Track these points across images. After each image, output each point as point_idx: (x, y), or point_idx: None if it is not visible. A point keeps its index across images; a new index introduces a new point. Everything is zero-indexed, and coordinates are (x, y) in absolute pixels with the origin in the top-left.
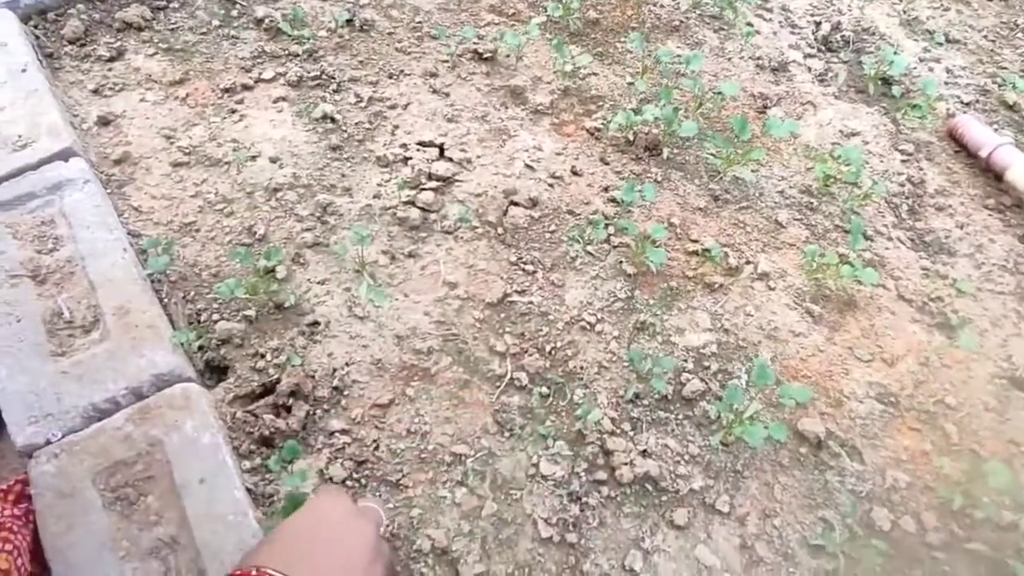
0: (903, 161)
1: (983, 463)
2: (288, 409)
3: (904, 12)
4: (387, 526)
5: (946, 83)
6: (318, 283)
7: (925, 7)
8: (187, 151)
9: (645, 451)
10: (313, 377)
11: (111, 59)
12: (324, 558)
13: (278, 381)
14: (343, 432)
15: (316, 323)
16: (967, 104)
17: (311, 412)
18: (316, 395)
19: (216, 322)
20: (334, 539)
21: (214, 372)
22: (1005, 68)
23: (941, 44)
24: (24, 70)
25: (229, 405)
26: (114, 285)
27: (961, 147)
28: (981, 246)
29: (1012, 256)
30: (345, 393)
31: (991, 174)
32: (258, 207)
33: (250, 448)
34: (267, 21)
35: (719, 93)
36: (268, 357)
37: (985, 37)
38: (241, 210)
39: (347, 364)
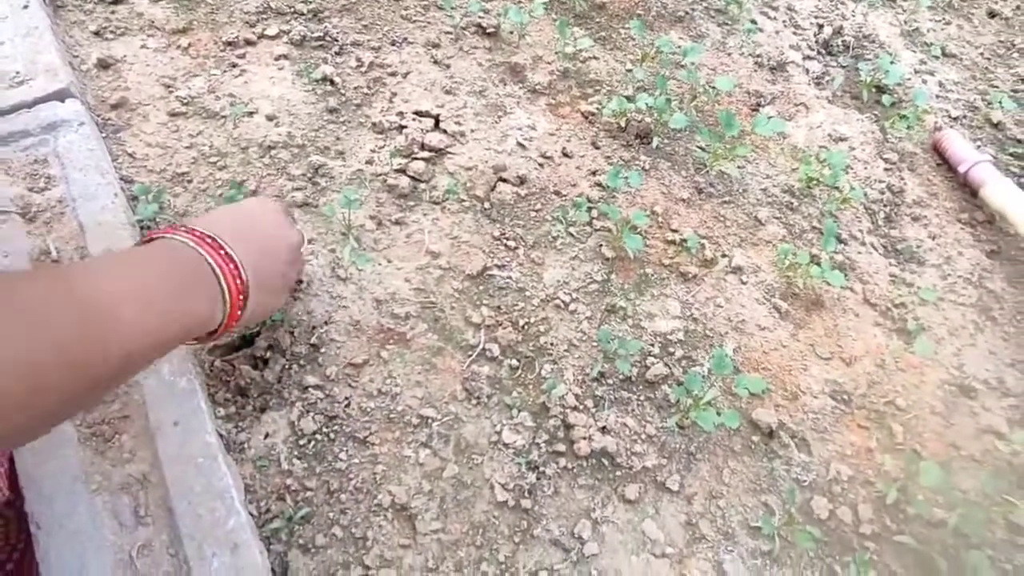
0: (886, 169)
1: (921, 462)
2: (265, 362)
3: (906, 23)
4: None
5: (937, 96)
6: (307, 241)
7: (927, 19)
8: (185, 101)
9: (604, 428)
10: (292, 333)
11: (115, 1)
12: (252, 240)
13: (257, 334)
14: (316, 388)
15: (300, 281)
16: (955, 119)
17: (287, 366)
18: (293, 350)
19: None
20: (264, 229)
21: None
22: (996, 87)
23: (938, 57)
24: (26, 6)
25: (208, 354)
26: (103, 229)
27: (943, 160)
28: (950, 258)
29: (977, 270)
30: (322, 350)
31: (968, 189)
32: (251, 163)
33: (225, 396)
34: None
35: (714, 87)
36: None
37: (981, 54)
38: (234, 164)
39: (326, 323)
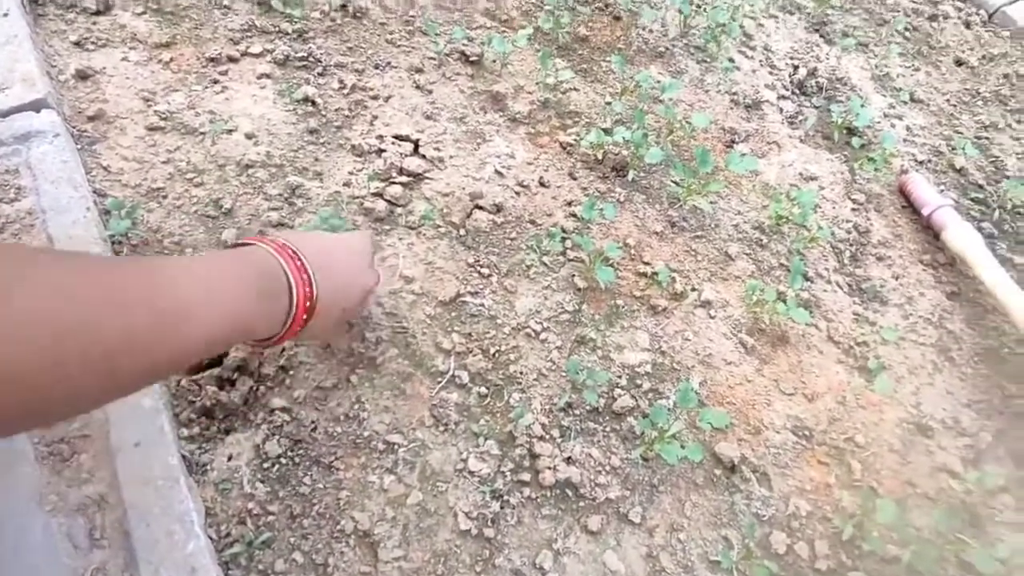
0: (853, 210)
1: (877, 499)
2: (232, 383)
3: (877, 67)
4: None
5: (905, 140)
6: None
7: (897, 65)
8: (164, 116)
9: (570, 458)
10: (262, 354)
11: (97, 12)
12: (333, 268)
13: (226, 354)
14: (283, 410)
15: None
16: (920, 163)
17: (255, 388)
18: (262, 372)
19: None
20: (347, 264)
21: None
22: (960, 133)
23: (906, 102)
24: (6, 14)
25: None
26: (73, 242)
27: (908, 203)
28: (912, 298)
29: (938, 311)
30: (291, 373)
31: (931, 232)
32: (228, 181)
33: (190, 417)
34: None
35: (690, 123)
36: None
37: (948, 101)
38: (211, 182)
39: (296, 346)
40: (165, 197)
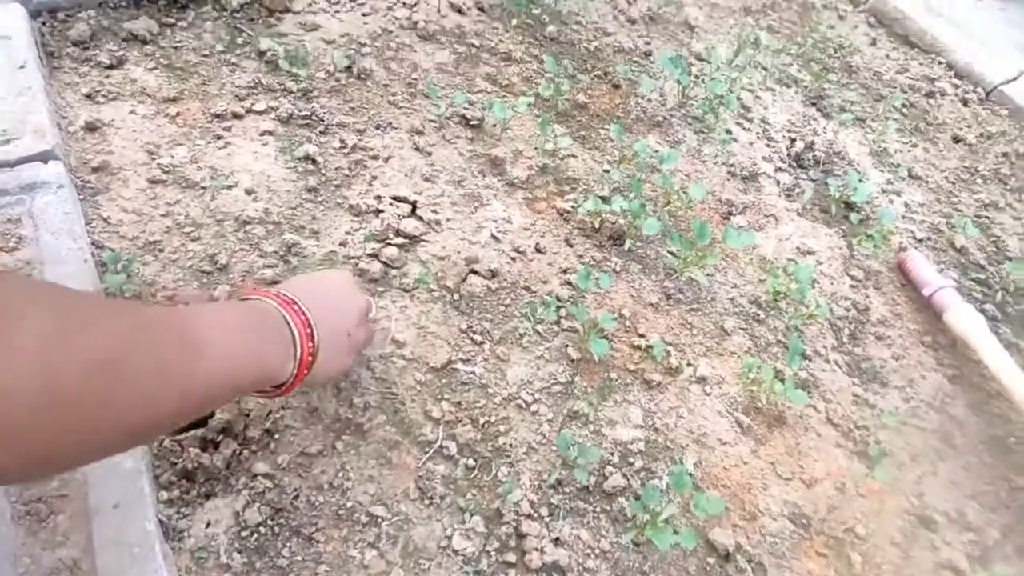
0: (852, 286)
1: None
2: (216, 445)
3: (874, 142)
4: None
5: (903, 217)
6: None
7: (895, 140)
8: (167, 169)
9: (558, 539)
10: (247, 415)
11: (110, 67)
12: (325, 302)
13: (212, 415)
14: (266, 476)
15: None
16: (920, 240)
17: (238, 451)
18: (247, 435)
19: None
20: (336, 294)
21: None
22: (960, 211)
23: (904, 179)
24: (23, 66)
25: None
26: None
27: (908, 281)
28: (913, 380)
29: (940, 395)
30: (276, 437)
31: (932, 311)
32: (225, 236)
33: (170, 479)
34: (269, 54)
35: (687, 193)
36: None
37: (946, 178)
38: (208, 237)
39: (283, 408)
40: (162, 250)
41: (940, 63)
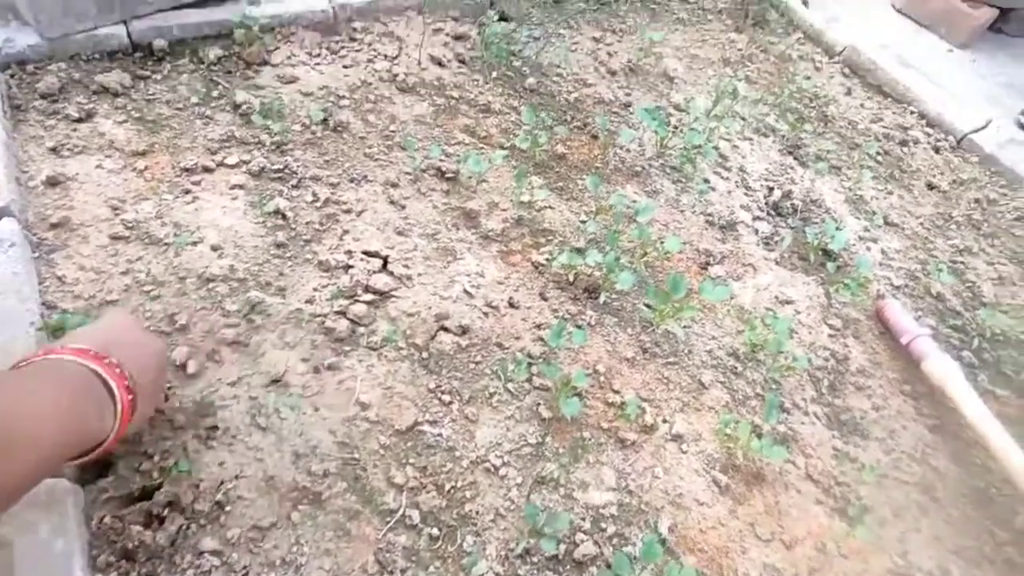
0: (831, 336)
1: None
2: (161, 520)
3: (850, 190)
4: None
5: (880, 264)
6: (228, 384)
7: (871, 188)
8: (130, 225)
9: None
10: (197, 487)
11: (78, 120)
12: (128, 348)
13: (159, 487)
14: (214, 553)
15: (215, 427)
16: (897, 287)
17: (185, 527)
18: (195, 507)
19: None
20: (133, 338)
21: (95, 466)
22: (935, 257)
23: (880, 226)
24: None
25: (101, 506)
26: (10, 360)
27: (886, 329)
28: (893, 432)
29: (920, 446)
30: (227, 509)
31: (910, 359)
32: (187, 294)
33: (108, 560)
34: (244, 107)
35: (664, 243)
36: (156, 458)
37: (921, 224)
38: (169, 295)
39: (237, 477)
40: None
41: (912, 112)
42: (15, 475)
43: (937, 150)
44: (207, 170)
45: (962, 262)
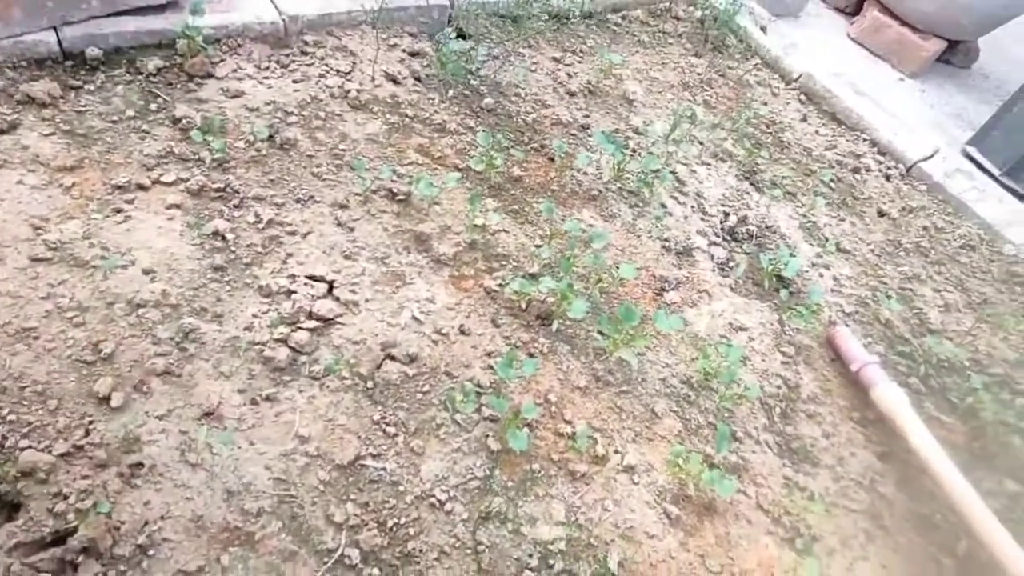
0: (783, 363)
1: None
2: (76, 568)
3: (805, 216)
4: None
5: (832, 291)
6: (156, 417)
7: (824, 214)
8: (53, 246)
9: None
10: (118, 530)
11: (0, 131)
12: None
13: (75, 531)
14: None
15: (140, 464)
16: (848, 314)
17: (102, 574)
18: (115, 552)
19: (22, 449)
20: None
21: (4, 508)
22: (885, 284)
23: (833, 252)
24: None
25: (8, 553)
26: None
27: (836, 356)
28: (842, 459)
29: (869, 473)
30: (150, 553)
31: (860, 386)
32: (114, 321)
33: None
34: (184, 121)
35: (619, 269)
36: (72, 499)
37: (872, 251)
38: (94, 322)
39: (162, 518)
40: (37, 338)
41: (865, 140)
42: None
43: (888, 178)
44: (142, 188)
45: (910, 289)
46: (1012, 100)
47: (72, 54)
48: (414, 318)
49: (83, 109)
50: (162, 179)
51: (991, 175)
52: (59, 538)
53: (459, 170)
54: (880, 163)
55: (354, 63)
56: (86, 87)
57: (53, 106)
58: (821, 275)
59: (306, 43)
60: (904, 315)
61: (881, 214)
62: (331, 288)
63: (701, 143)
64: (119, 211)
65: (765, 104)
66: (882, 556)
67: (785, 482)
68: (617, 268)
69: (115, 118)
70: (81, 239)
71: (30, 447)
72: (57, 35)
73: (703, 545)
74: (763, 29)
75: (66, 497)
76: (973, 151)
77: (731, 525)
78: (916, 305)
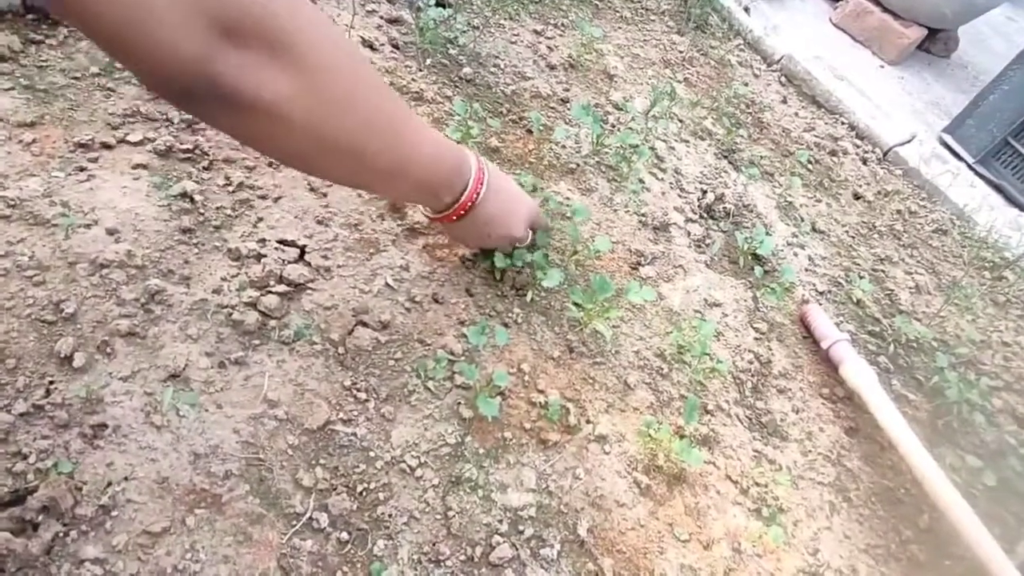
0: (756, 339)
1: None
2: (36, 527)
3: (781, 196)
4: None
5: (806, 270)
6: (120, 379)
7: (801, 195)
8: (12, 203)
9: None
10: (80, 490)
11: None
12: (504, 190)
13: (35, 490)
14: (96, 562)
15: (103, 425)
16: (821, 293)
17: (63, 534)
18: (76, 512)
19: None
20: (515, 192)
21: None
22: (858, 265)
23: (808, 232)
24: None
25: None
26: None
27: (808, 333)
28: (811, 434)
29: (836, 448)
30: (113, 514)
31: (830, 364)
32: (76, 281)
33: None
34: None
35: (594, 240)
36: (32, 459)
37: (847, 232)
38: (55, 281)
39: (126, 479)
40: None
41: (843, 123)
42: (402, 167)
43: (864, 161)
44: (106, 147)
45: (883, 270)
46: (986, 90)
47: (34, 7)
48: (387, 285)
49: (44, 64)
50: (128, 138)
51: (965, 162)
52: (19, 497)
53: None
54: (857, 147)
55: None
56: (47, 41)
57: (13, 60)
58: (796, 254)
59: None
60: (876, 295)
61: (857, 197)
62: (303, 253)
63: (681, 120)
64: (82, 169)
65: (746, 84)
66: (846, 527)
67: (755, 455)
68: (593, 240)
69: (78, 74)
70: (42, 196)
71: None
72: None
73: (672, 514)
74: (746, 10)
75: (25, 457)
76: (948, 138)
77: (700, 496)
78: (887, 286)
